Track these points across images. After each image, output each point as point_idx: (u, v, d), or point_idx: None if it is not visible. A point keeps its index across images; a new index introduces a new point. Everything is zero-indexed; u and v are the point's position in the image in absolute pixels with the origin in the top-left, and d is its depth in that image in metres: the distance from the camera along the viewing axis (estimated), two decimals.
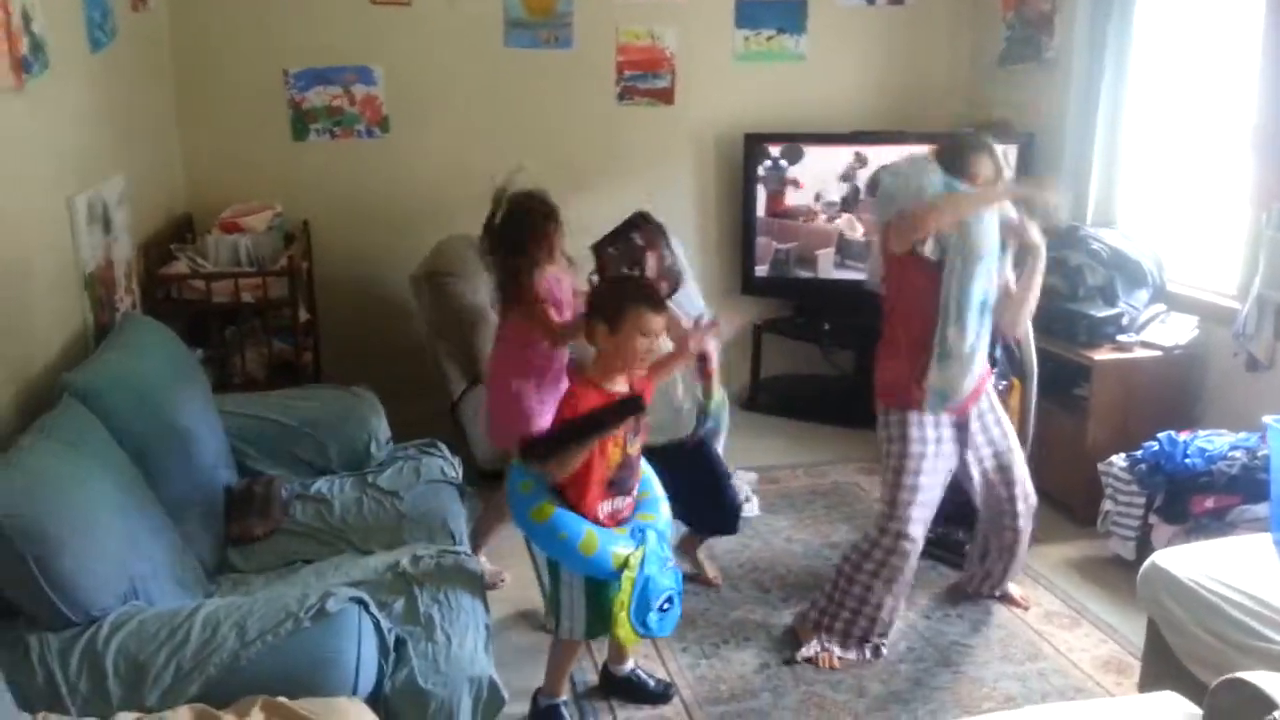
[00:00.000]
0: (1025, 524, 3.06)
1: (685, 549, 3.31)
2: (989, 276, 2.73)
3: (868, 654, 2.92)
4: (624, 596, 2.35)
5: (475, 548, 3.15)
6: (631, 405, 2.35)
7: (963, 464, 2.96)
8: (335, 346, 4.43)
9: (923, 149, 2.90)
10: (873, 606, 2.90)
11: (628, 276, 2.65)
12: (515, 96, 4.58)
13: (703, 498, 3.19)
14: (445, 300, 3.77)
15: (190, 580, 2.33)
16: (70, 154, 2.92)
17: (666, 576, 2.43)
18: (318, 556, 2.62)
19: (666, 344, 2.71)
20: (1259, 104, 3.42)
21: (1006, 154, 2.83)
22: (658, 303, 2.46)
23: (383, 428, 3.20)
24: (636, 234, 3.03)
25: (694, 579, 3.28)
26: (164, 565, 2.21)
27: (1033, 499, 3.06)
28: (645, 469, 2.62)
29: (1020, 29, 4.58)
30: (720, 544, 3.56)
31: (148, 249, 3.61)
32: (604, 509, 2.44)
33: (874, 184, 3.03)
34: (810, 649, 2.92)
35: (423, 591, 2.32)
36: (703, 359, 2.96)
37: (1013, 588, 3.24)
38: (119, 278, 3.24)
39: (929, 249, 2.73)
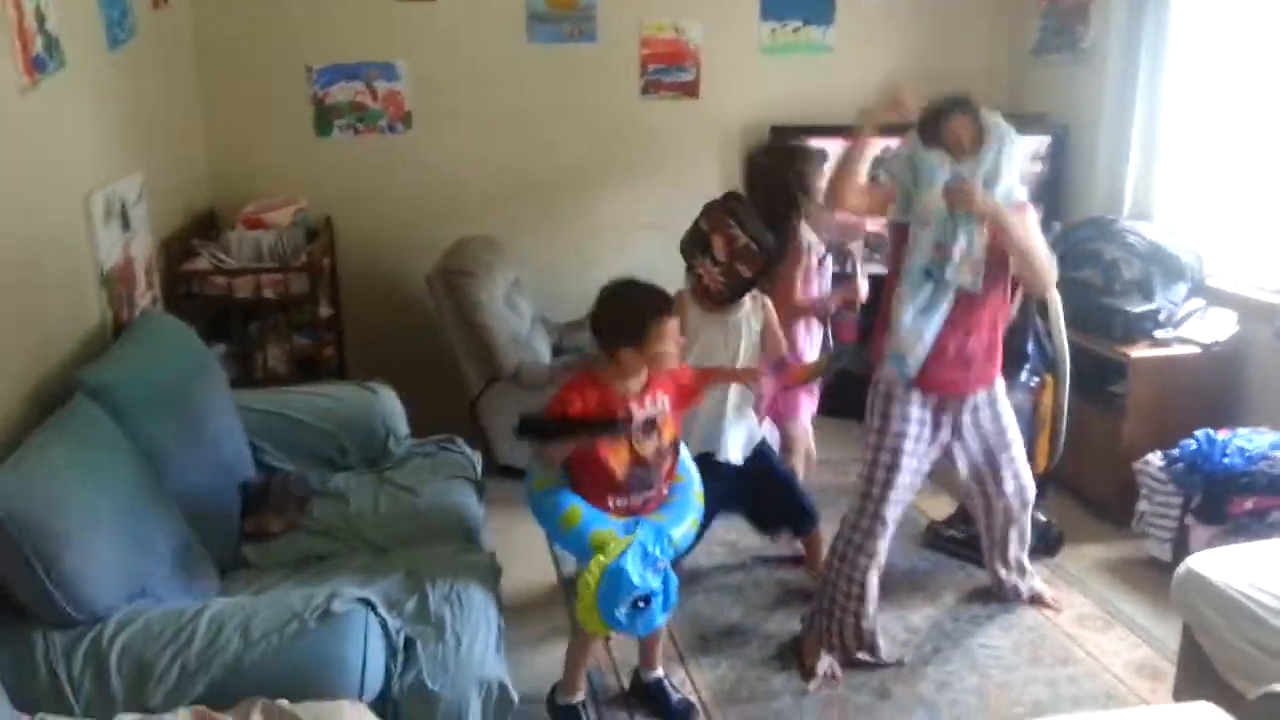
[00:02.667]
0: (1017, 517, 3.01)
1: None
2: (935, 246, 2.63)
3: (861, 656, 2.85)
4: (590, 578, 2.24)
5: None
6: (607, 426, 2.33)
7: (949, 455, 2.90)
8: (359, 342, 4.42)
9: None
10: (855, 599, 2.82)
11: (626, 287, 2.46)
12: (538, 91, 4.54)
13: (773, 507, 3.18)
14: (461, 299, 3.74)
15: (201, 578, 2.31)
16: (87, 151, 2.92)
17: (649, 576, 2.30)
18: (333, 553, 2.60)
19: None
20: None
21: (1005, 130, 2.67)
22: (669, 305, 2.40)
23: (401, 423, 3.18)
24: (703, 219, 2.91)
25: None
26: (173, 563, 2.20)
27: (1028, 493, 2.99)
28: (688, 473, 2.56)
29: (1055, 19, 4.47)
30: (743, 543, 3.50)
31: (170, 245, 3.61)
32: (614, 502, 2.40)
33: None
34: (821, 667, 2.82)
35: (434, 590, 2.29)
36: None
37: (1043, 589, 3.15)
38: (139, 274, 3.24)
39: (893, 212, 2.75)
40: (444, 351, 4.04)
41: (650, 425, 2.41)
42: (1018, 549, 3.09)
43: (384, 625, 2.00)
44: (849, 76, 4.74)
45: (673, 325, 2.39)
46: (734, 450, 2.97)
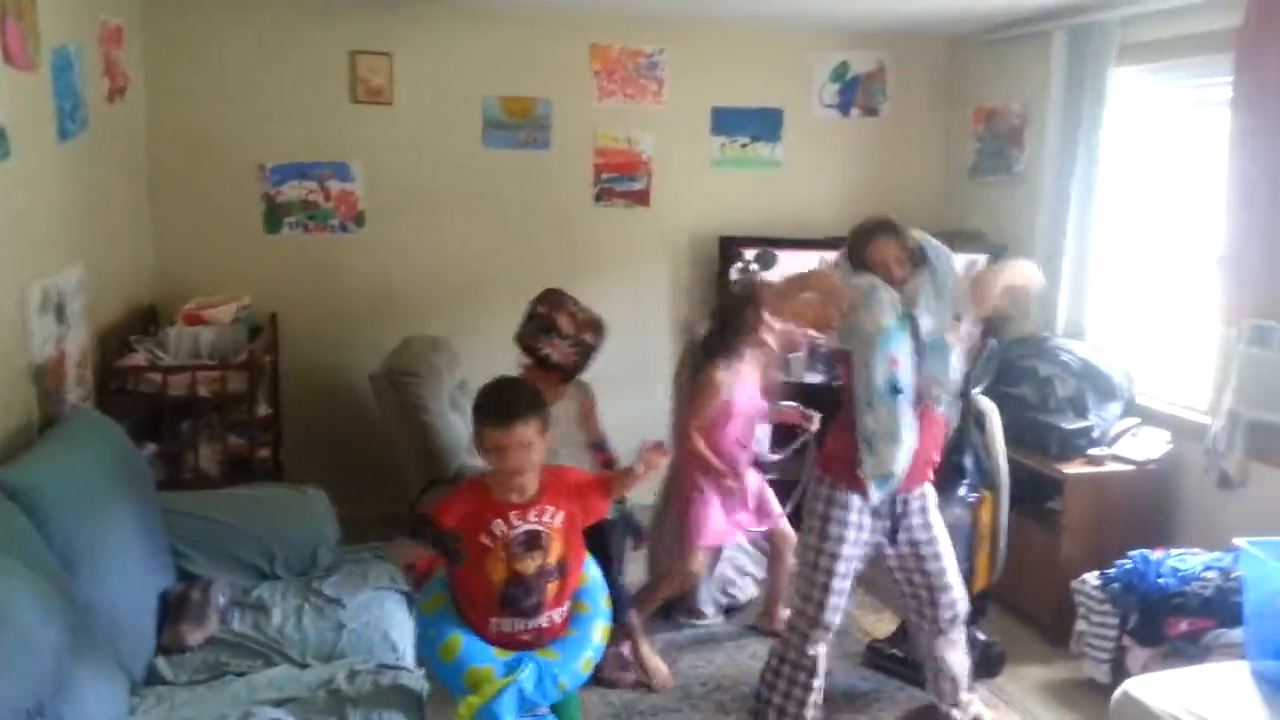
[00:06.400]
0: (947, 629, 2.95)
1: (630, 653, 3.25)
2: (890, 360, 2.65)
3: None
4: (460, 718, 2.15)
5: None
6: (431, 537, 2.26)
7: (880, 553, 2.91)
8: (298, 442, 4.34)
9: None
10: (795, 704, 2.83)
11: (491, 384, 2.41)
12: (493, 196, 4.61)
13: None
14: (405, 399, 3.70)
15: (108, 696, 2.19)
16: (27, 242, 2.87)
17: None
18: (251, 668, 2.50)
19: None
20: (1226, 222, 3.42)
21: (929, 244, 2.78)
22: (501, 418, 2.26)
23: (332, 530, 3.10)
24: (540, 306, 3.12)
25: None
26: (78, 680, 2.08)
27: (960, 606, 2.95)
28: (595, 604, 2.41)
29: (991, 142, 4.65)
30: (684, 659, 3.43)
31: (107, 339, 3.54)
32: (496, 626, 2.28)
33: None
34: None
35: (355, 711, 2.20)
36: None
37: (984, 712, 3.11)
38: (70, 369, 3.16)
39: (831, 339, 2.82)
40: (386, 453, 3.98)
41: (533, 540, 2.27)
42: (956, 664, 3.03)
43: None
44: (796, 191, 4.89)
45: (499, 438, 2.24)
46: None
